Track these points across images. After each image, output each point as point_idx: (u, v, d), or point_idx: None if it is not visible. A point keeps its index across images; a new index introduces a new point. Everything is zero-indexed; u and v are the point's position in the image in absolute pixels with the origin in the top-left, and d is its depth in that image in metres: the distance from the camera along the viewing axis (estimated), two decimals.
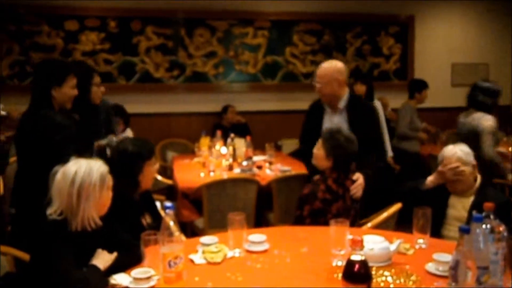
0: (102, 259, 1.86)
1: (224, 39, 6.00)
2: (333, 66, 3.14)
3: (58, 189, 1.87)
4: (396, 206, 2.75)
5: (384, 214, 2.67)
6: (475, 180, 2.59)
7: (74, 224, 1.86)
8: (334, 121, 3.16)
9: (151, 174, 2.41)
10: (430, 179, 2.70)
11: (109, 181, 1.95)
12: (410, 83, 5.52)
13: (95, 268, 1.81)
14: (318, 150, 2.78)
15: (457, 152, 2.59)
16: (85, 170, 1.86)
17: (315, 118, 3.26)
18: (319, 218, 2.50)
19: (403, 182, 2.90)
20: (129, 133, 4.79)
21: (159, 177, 4.21)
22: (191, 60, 5.90)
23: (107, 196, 1.95)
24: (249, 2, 6.04)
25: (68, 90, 2.67)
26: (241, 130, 5.30)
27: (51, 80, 2.63)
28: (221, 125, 5.61)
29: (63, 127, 2.55)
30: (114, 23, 5.65)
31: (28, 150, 2.59)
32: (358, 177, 2.76)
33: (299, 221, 2.67)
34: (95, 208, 1.89)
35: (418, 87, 5.26)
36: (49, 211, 1.87)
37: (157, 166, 2.48)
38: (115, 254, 1.91)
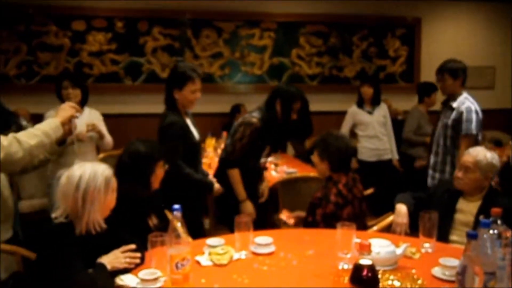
0: (111, 260, 1.87)
1: (230, 40, 6.01)
2: None
3: (63, 193, 1.88)
4: None
5: (391, 217, 2.67)
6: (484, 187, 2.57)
7: (79, 227, 1.87)
8: None
9: (161, 175, 2.44)
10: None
11: (113, 184, 1.96)
12: (419, 87, 5.40)
13: (103, 266, 1.82)
14: (314, 157, 2.84)
15: (479, 155, 2.54)
16: (90, 174, 1.87)
17: None
18: (332, 222, 2.50)
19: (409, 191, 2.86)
20: (91, 115, 3.70)
21: None
22: (197, 61, 5.91)
23: (112, 199, 1.96)
24: (256, 4, 6.05)
25: (188, 94, 2.88)
26: None
27: (174, 83, 2.88)
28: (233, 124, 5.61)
29: (172, 125, 2.85)
30: (121, 24, 5.67)
31: None
32: None
33: (311, 226, 2.66)
34: (100, 211, 1.90)
35: (427, 91, 5.13)
36: (55, 214, 1.89)
37: (166, 167, 2.50)
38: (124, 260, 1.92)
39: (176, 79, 2.91)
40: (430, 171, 3.61)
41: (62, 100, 3.59)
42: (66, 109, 2.29)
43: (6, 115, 3.27)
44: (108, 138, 3.72)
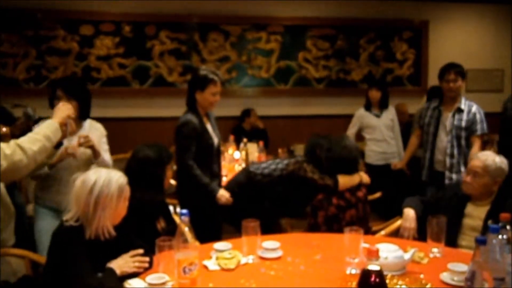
0: (121, 264, 1.88)
1: (237, 44, 6.02)
2: None
3: (76, 196, 1.89)
4: None
5: (398, 222, 2.66)
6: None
7: (88, 232, 1.89)
8: None
9: (170, 176, 2.47)
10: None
11: (126, 192, 1.97)
12: (430, 90, 5.38)
13: (112, 271, 1.83)
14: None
15: (488, 160, 2.53)
16: (104, 180, 1.89)
17: None
18: (334, 224, 2.50)
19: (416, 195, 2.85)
20: (91, 131, 2.83)
21: (172, 181, 4.22)
22: (204, 65, 5.91)
23: (123, 207, 1.97)
24: (263, 7, 6.06)
25: (209, 96, 2.99)
26: (259, 136, 5.33)
27: (196, 84, 2.99)
28: (242, 128, 5.68)
29: (184, 125, 2.92)
30: (128, 28, 5.70)
31: None
32: None
33: (314, 229, 2.67)
34: (110, 218, 1.91)
35: (438, 94, 5.09)
36: (66, 217, 1.90)
37: (174, 168, 2.54)
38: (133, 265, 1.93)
39: (199, 81, 3.00)
40: (447, 173, 3.67)
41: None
42: (62, 109, 2.22)
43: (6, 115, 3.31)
44: (106, 158, 2.83)
